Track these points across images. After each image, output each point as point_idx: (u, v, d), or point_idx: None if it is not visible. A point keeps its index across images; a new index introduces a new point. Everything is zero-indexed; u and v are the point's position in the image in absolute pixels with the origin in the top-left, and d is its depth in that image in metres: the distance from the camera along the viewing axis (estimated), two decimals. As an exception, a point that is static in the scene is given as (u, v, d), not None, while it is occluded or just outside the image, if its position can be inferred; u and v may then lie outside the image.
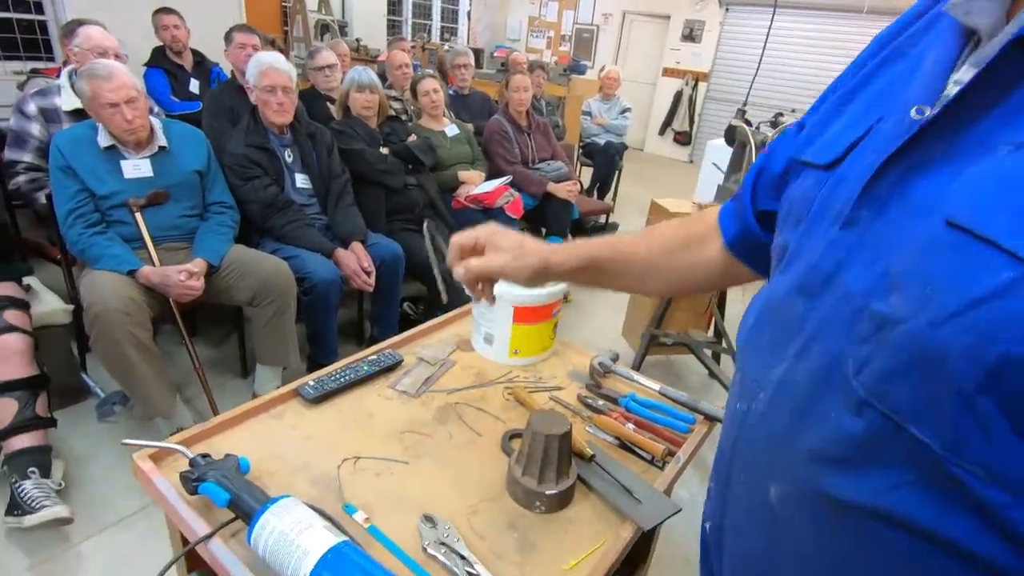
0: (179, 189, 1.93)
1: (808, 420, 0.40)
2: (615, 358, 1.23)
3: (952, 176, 0.35)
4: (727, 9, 7.24)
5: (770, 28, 1.96)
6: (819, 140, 0.49)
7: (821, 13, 6.54)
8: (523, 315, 1.16)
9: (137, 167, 1.87)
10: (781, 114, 4.16)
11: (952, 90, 0.37)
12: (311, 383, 1.04)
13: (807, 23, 6.68)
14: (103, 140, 1.81)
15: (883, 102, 0.44)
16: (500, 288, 1.14)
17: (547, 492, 0.83)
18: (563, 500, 0.85)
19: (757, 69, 2.22)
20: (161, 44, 3.18)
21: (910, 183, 0.37)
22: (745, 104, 2.28)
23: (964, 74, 0.37)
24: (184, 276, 1.76)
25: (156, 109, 2.47)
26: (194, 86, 3.24)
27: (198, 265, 1.83)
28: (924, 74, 0.41)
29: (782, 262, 0.49)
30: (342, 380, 1.06)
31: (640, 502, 0.86)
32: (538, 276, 0.68)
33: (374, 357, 1.14)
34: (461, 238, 0.70)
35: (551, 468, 0.83)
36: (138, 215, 1.84)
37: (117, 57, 2.20)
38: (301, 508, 0.70)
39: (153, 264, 1.83)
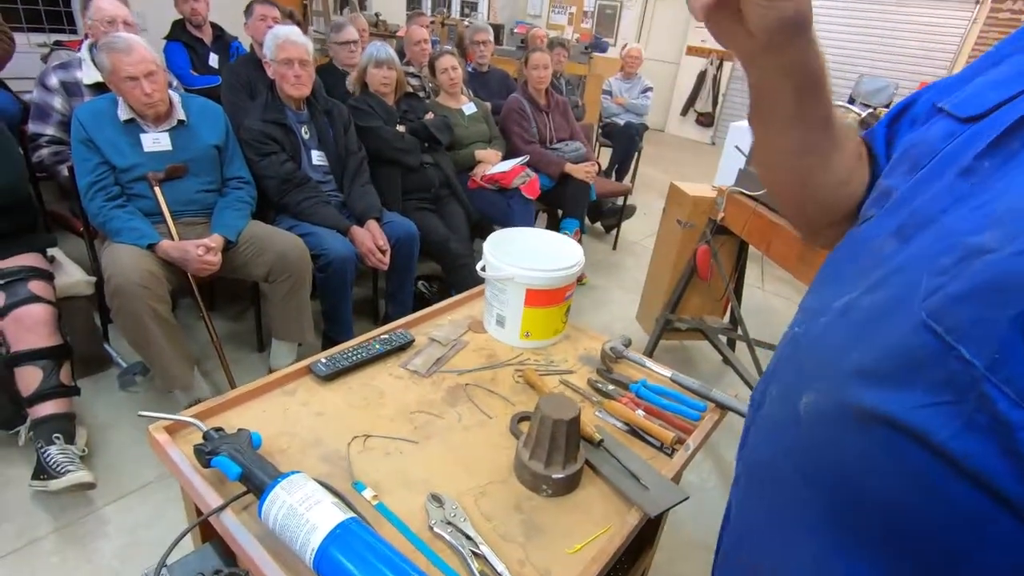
0: (197, 163, 1.95)
1: (862, 340, 0.43)
2: (627, 343, 1.22)
3: None
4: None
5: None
6: (960, 92, 0.50)
7: (853, -11, 6.31)
8: (535, 298, 1.15)
9: (157, 140, 1.88)
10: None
11: None
12: (323, 360, 1.04)
13: (838, 2, 6.44)
14: (123, 113, 1.82)
15: None
16: (514, 270, 1.14)
17: (554, 476, 0.83)
18: (570, 484, 0.86)
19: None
20: (181, 17, 3.17)
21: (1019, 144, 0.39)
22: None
23: None
24: (202, 251, 1.78)
25: (175, 83, 2.48)
26: (214, 60, 3.24)
27: (216, 240, 1.85)
28: None
29: (883, 206, 0.50)
30: (354, 358, 1.07)
31: (647, 488, 0.86)
32: (793, 31, 0.47)
33: (386, 336, 1.15)
34: None
35: (559, 452, 0.83)
36: (157, 189, 1.85)
37: (127, 25, 2.21)
38: (311, 484, 0.71)
39: (172, 238, 1.85)
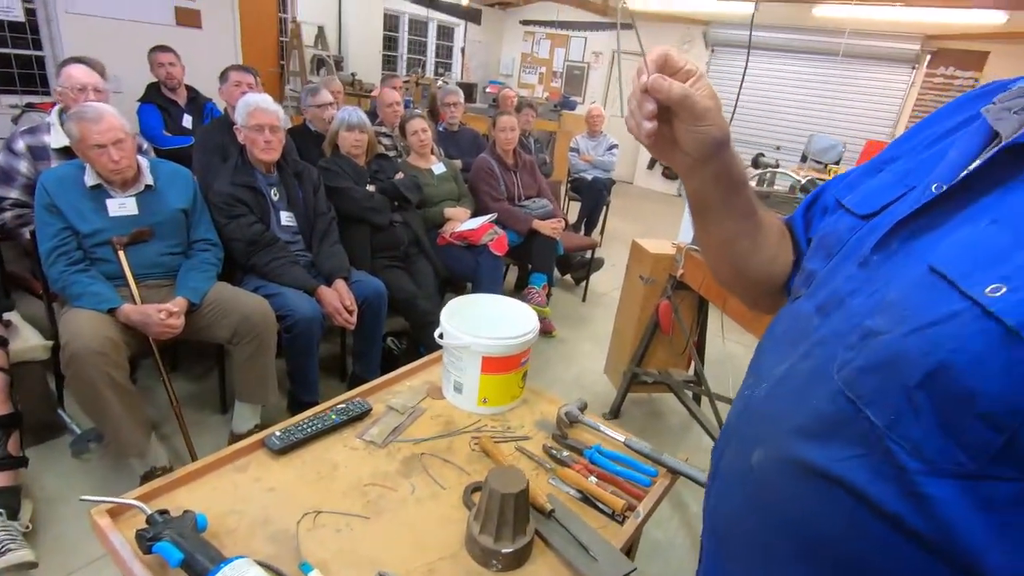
0: (164, 227, 1.96)
1: (797, 403, 0.51)
2: (583, 407, 1.25)
3: (943, 236, 0.46)
4: (712, 50, 7.47)
5: (745, 69, 2.05)
6: (859, 190, 0.61)
7: (801, 56, 6.77)
8: (491, 365, 1.18)
9: (122, 205, 1.89)
10: (762, 154, 4.28)
11: (961, 174, 0.47)
12: (277, 434, 1.05)
13: (788, 65, 6.90)
14: (89, 179, 1.84)
15: (919, 174, 0.54)
16: (470, 338, 1.17)
17: (503, 551, 0.84)
18: (519, 558, 0.86)
19: (734, 110, 2.31)
20: (156, 81, 3.25)
21: (915, 239, 0.48)
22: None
23: (974, 166, 0.48)
24: (164, 315, 1.78)
25: (145, 146, 2.52)
26: (187, 121, 3.30)
27: (179, 304, 1.84)
28: (950, 159, 0.51)
29: (809, 286, 0.59)
30: (309, 430, 1.07)
31: (596, 560, 0.87)
32: (718, 148, 0.56)
33: (343, 406, 1.16)
34: (672, 51, 0.55)
35: (507, 526, 0.84)
36: (121, 253, 1.86)
37: (97, 92, 2.25)
38: (254, 570, 0.71)
39: (134, 302, 1.84)
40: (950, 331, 0.40)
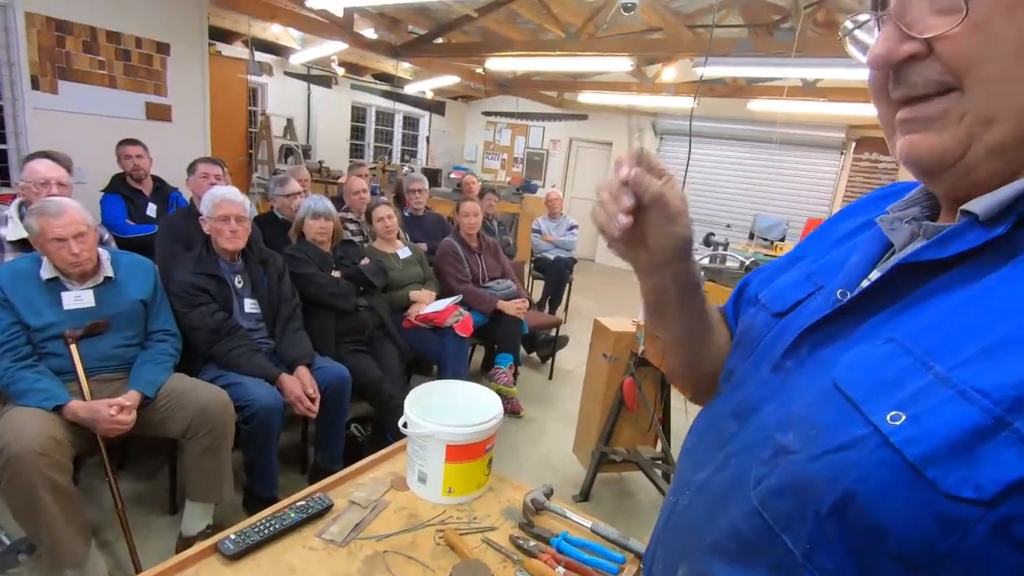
0: (121, 319, 1.93)
1: (715, 518, 0.48)
2: (549, 493, 1.24)
3: (846, 349, 0.44)
4: (661, 138, 8.06)
5: (689, 156, 2.23)
6: (773, 286, 0.61)
7: (742, 143, 7.38)
8: (455, 453, 1.18)
9: (78, 298, 1.86)
10: (712, 234, 4.54)
11: (864, 284, 0.47)
12: (232, 536, 1.00)
13: (731, 151, 7.49)
14: (45, 273, 1.82)
15: (825, 274, 0.55)
16: (434, 426, 1.17)
17: (469, 654, 0.81)
18: (486, 662, 0.83)
19: (682, 191, 2.47)
20: (122, 172, 3.29)
21: (822, 347, 0.47)
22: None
23: (874, 275, 0.48)
24: (115, 410, 1.71)
25: (107, 237, 2.51)
26: (151, 210, 3.32)
27: (131, 398, 1.78)
28: (852, 264, 0.51)
29: (727, 384, 0.58)
30: (266, 531, 1.03)
31: (566, 659, 0.84)
32: (683, 250, 0.56)
33: (303, 503, 1.12)
34: (648, 151, 0.55)
35: (473, 627, 0.81)
36: (73, 347, 1.80)
37: (61, 186, 2.27)
38: None
39: (83, 398, 1.77)
40: (854, 458, 0.37)
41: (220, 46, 5.95)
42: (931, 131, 0.41)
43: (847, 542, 0.38)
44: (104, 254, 1.96)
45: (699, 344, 0.67)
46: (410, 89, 7.91)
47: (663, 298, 0.61)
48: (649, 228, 0.54)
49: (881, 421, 0.37)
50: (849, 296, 0.47)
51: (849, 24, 0.46)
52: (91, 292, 1.88)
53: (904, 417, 0.36)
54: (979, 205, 0.40)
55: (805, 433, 0.42)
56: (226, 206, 2.18)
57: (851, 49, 0.46)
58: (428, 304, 3.01)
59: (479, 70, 6.82)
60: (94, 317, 1.86)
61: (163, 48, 3.91)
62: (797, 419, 0.44)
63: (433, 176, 7.58)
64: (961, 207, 0.41)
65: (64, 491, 1.60)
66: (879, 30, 0.43)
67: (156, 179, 3.43)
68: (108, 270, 1.93)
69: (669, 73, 6.09)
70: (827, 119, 6.31)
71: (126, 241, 3.01)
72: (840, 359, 0.43)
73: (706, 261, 3.00)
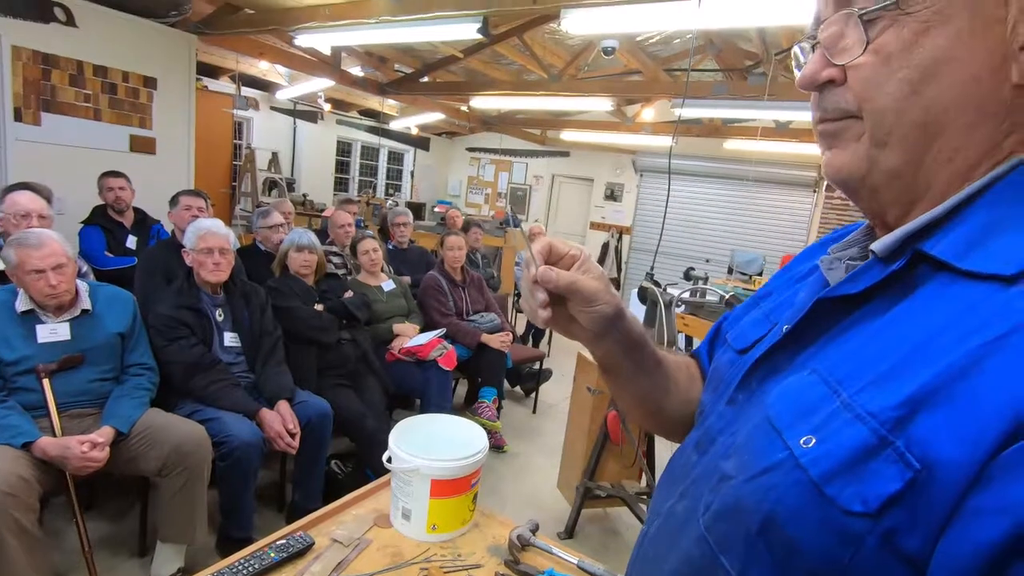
0: (96, 352, 1.89)
1: (673, 546, 0.50)
2: (535, 529, 1.22)
3: (781, 381, 0.46)
4: (641, 175, 8.28)
5: (668, 195, 2.29)
6: (740, 324, 0.63)
7: (719, 180, 7.61)
8: (440, 488, 1.16)
9: (54, 331, 1.83)
10: (692, 268, 4.63)
11: (797, 319, 0.50)
12: (209, 578, 0.97)
13: (708, 188, 7.70)
14: (21, 305, 1.78)
15: (779, 312, 0.58)
16: (418, 461, 1.16)
17: None
18: None
19: (661, 230, 2.55)
20: (103, 203, 3.26)
21: (768, 380, 0.49)
22: (652, 268, 2.55)
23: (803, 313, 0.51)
24: (87, 447, 1.66)
25: (84, 269, 2.47)
26: (131, 242, 3.28)
27: (104, 434, 1.73)
28: (798, 301, 0.53)
29: (698, 418, 0.60)
30: (245, 572, 1.00)
31: None
32: (614, 321, 0.58)
33: (283, 542, 1.09)
34: (555, 240, 0.59)
35: (459, 669, 0.79)
36: (45, 382, 1.76)
37: (42, 218, 2.25)
38: None
39: (54, 434, 1.71)
40: (775, 480, 0.40)
41: (207, 81, 6.01)
42: (838, 147, 0.45)
43: (772, 560, 0.40)
44: (82, 286, 1.93)
45: (660, 397, 0.69)
46: (395, 125, 8.05)
47: (612, 363, 0.63)
48: (574, 311, 0.57)
49: (795, 445, 0.40)
50: (786, 330, 0.49)
51: (796, 48, 0.50)
52: (67, 325, 1.85)
53: (814, 440, 0.39)
54: (879, 244, 0.44)
55: (741, 459, 0.45)
56: (210, 238, 2.18)
57: (795, 71, 0.49)
58: (412, 337, 3.00)
59: (464, 108, 6.98)
60: (69, 351, 1.82)
61: (150, 82, 3.93)
62: (737, 447, 0.47)
63: (417, 210, 7.65)
64: (869, 246, 0.45)
65: (29, 533, 1.54)
66: (812, 54, 0.47)
67: (138, 211, 3.41)
68: (86, 302, 1.90)
69: (648, 113, 6.30)
70: (799, 159, 6.54)
71: (105, 273, 2.97)
72: (774, 390, 0.46)
73: (687, 295, 3.05)
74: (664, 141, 6.53)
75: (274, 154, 6.77)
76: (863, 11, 0.42)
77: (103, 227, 3.21)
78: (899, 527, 0.34)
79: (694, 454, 0.55)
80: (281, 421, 2.09)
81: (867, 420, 0.36)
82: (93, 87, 3.65)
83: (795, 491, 0.39)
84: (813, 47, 0.47)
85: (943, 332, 0.36)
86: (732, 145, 6.30)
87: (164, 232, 3.44)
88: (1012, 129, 0.40)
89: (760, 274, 5.53)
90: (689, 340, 3.68)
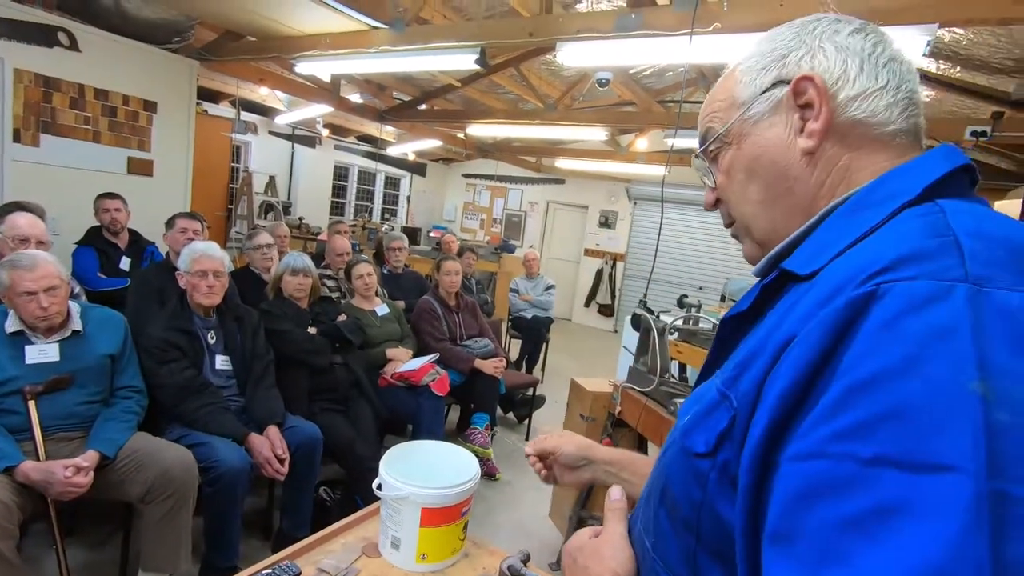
0: (86, 374, 1.87)
1: (636, 546, 0.62)
2: (526, 559, 1.20)
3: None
4: (635, 203, 8.38)
5: (661, 224, 2.32)
6: None
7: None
8: (431, 517, 1.15)
9: (43, 352, 1.81)
10: (686, 295, 4.64)
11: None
12: (192, 608, 0.95)
13: (698, 217, 7.79)
14: (11, 326, 1.77)
15: None
16: (409, 488, 1.14)
17: None
18: None
19: (655, 258, 2.56)
20: (97, 224, 3.26)
21: None
22: (646, 295, 2.56)
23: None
24: (71, 472, 1.62)
25: (77, 290, 2.46)
26: (124, 263, 3.27)
27: (89, 459, 1.70)
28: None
29: None
30: (228, 602, 0.98)
31: None
32: (592, 480, 0.89)
33: (268, 571, 1.07)
34: (540, 442, 0.97)
35: None
36: (31, 403, 1.73)
37: (40, 244, 2.24)
38: None
39: (38, 458, 1.68)
40: (668, 457, 0.54)
41: (207, 105, 6.09)
42: (742, 242, 0.62)
43: (669, 523, 0.52)
44: (74, 307, 1.92)
45: None
46: (393, 151, 8.14)
47: (610, 480, 0.85)
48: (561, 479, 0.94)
49: (681, 424, 0.53)
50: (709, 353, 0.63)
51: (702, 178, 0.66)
52: (56, 346, 1.83)
53: (689, 416, 0.52)
54: (755, 268, 0.59)
55: (659, 455, 0.58)
56: (205, 261, 2.18)
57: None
58: (405, 362, 2.99)
59: (460, 135, 7.09)
60: (58, 372, 1.80)
61: (150, 106, 3.98)
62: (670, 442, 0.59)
63: (413, 235, 7.68)
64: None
65: (7, 561, 1.50)
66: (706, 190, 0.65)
67: (132, 233, 3.41)
68: (76, 323, 1.89)
69: (642, 143, 6.42)
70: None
71: (97, 294, 2.95)
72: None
73: (680, 323, 3.07)
74: (657, 170, 6.64)
75: (271, 178, 6.82)
76: (707, 150, 0.61)
77: (97, 248, 3.21)
78: (730, 458, 0.45)
79: (656, 464, 0.65)
80: (270, 446, 2.06)
81: (717, 386, 0.49)
82: (93, 110, 3.69)
83: (675, 457, 0.52)
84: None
85: (775, 317, 0.47)
86: (724, 175, 6.39)
87: (158, 254, 3.44)
88: (824, 177, 0.53)
89: (753, 302, 5.54)
90: (683, 367, 3.68)
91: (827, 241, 0.49)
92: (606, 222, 8.63)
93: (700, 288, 7.42)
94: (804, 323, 0.41)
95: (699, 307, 4.43)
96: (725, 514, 0.46)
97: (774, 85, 0.55)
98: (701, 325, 3.53)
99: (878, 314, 0.37)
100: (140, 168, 3.99)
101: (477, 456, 3.06)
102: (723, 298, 6.04)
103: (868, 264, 0.40)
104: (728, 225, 0.63)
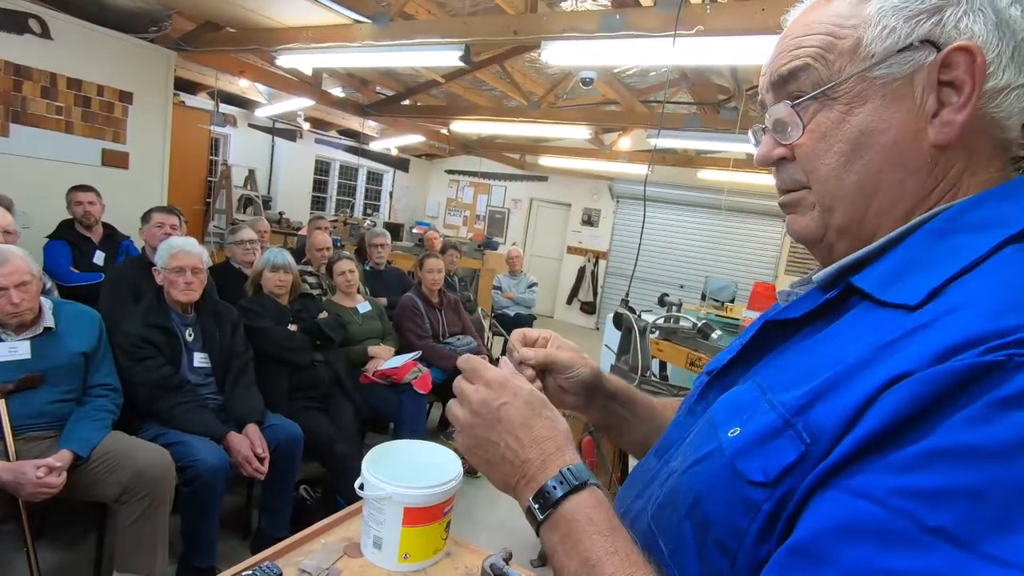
0: (58, 372, 1.82)
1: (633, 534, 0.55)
2: (508, 557, 1.21)
3: (725, 391, 0.53)
4: (618, 201, 8.43)
5: (644, 221, 2.35)
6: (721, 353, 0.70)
7: (693, 208, 7.79)
8: (413, 516, 1.14)
9: (13, 350, 1.76)
10: (667, 294, 4.70)
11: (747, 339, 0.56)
12: (170, 611, 0.93)
13: (683, 216, 7.89)
14: (-20, 323, 1.72)
15: (740, 339, 0.64)
16: (392, 488, 1.14)
17: None
18: None
19: (637, 256, 2.60)
20: (70, 218, 3.18)
21: (718, 393, 0.54)
22: (628, 294, 2.59)
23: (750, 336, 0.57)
24: (43, 472, 1.59)
25: (48, 285, 2.40)
26: (99, 258, 3.20)
27: (62, 458, 1.66)
28: (752, 327, 0.59)
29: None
30: (207, 604, 0.96)
31: None
32: (592, 384, 0.71)
33: (248, 573, 1.06)
34: (526, 330, 0.72)
35: None
36: (1, 402, 1.69)
37: (8, 233, 2.18)
38: None
39: (8, 458, 1.64)
40: (705, 467, 0.46)
41: (185, 96, 5.96)
42: (797, 213, 0.53)
43: (693, 538, 0.45)
44: (46, 303, 1.87)
45: (656, 436, 0.75)
46: (375, 146, 8.07)
47: (608, 420, 0.75)
48: (559, 381, 0.70)
49: (724, 435, 0.46)
50: (738, 349, 0.56)
51: (750, 131, 0.58)
52: (27, 343, 1.79)
53: (739, 430, 0.45)
54: (818, 275, 0.51)
55: (685, 455, 0.51)
56: (182, 257, 2.14)
57: (754, 145, 0.58)
58: (386, 359, 2.97)
59: (444, 131, 7.05)
60: (29, 370, 1.76)
61: (125, 96, 3.89)
62: (685, 447, 0.53)
63: (395, 231, 7.63)
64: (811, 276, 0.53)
65: (-25, 564, 1.46)
66: (763, 136, 0.54)
67: (107, 226, 3.33)
68: (48, 320, 1.84)
69: (625, 142, 6.45)
70: (770, 189, 6.75)
71: (70, 290, 2.88)
72: (720, 399, 0.52)
73: (661, 321, 3.11)
74: (640, 169, 6.69)
75: (251, 171, 6.71)
76: (797, 101, 0.49)
77: (70, 242, 3.13)
78: (792, 490, 0.40)
79: (654, 460, 0.59)
80: (249, 445, 2.04)
81: (777, 408, 0.43)
82: (66, 100, 3.59)
83: (717, 472, 0.45)
84: (764, 130, 0.54)
85: (852, 344, 0.42)
86: (706, 175, 6.48)
87: (133, 249, 3.37)
88: (937, 182, 0.46)
89: (732, 301, 5.64)
90: (663, 365, 3.73)
91: (914, 264, 0.43)
92: (589, 220, 8.67)
93: (681, 287, 7.51)
94: (912, 368, 0.36)
95: (680, 306, 4.50)
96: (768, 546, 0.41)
97: (921, 44, 0.43)
98: (682, 324, 3.58)
99: (1001, 389, 0.33)
100: (115, 160, 3.90)
101: (459, 454, 3.06)
102: (704, 296, 6.14)
103: (995, 322, 0.35)
104: (787, 191, 0.53)
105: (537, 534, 0.52)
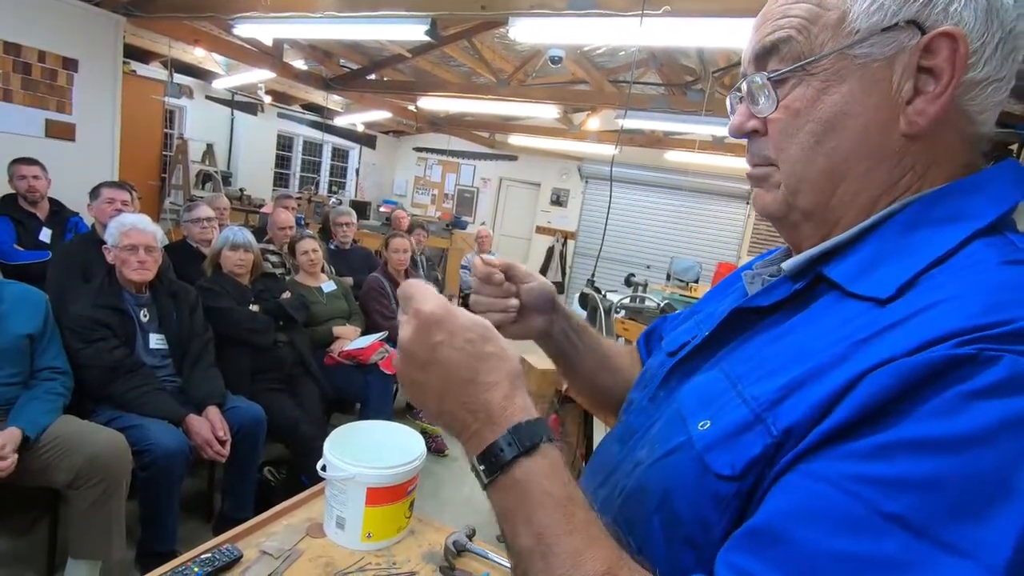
0: (1, 356, 1.74)
1: None
2: (471, 534, 1.23)
3: (690, 378, 0.53)
4: (587, 182, 8.45)
5: (610, 201, 2.38)
6: (676, 331, 0.68)
7: (659, 189, 7.89)
8: (376, 496, 1.15)
9: (-48, 332, 1.67)
10: (633, 274, 4.77)
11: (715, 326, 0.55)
12: (125, 597, 0.92)
13: (649, 196, 7.98)
14: (-87, 303, 1.63)
15: (708, 322, 0.61)
16: (355, 469, 1.14)
17: None
18: None
19: (603, 236, 2.62)
20: (13, 192, 3.01)
21: (686, 379, 0.54)
22: (594, 274, 2.61)
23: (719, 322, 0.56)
24: (-11, 455, 1.53)
25: (-9, 264, 2.28)
26: (45, 235, 3.05)
27: (10, 436, 1.59)
28: (719, 312, 0.58)
29: (624, 414, 0.64)
30: (164, 589, 0.95)
31: None
32: (551, 298, 0.74)
33: (208, 555, 1.05)
34: (481, 256, 0.79)
35: None
36: (-60, 387, 1.61)
37: None
38: None
39: (-51, 444, 1.57)
40: (674, 461, 0.46)
41: (136, 65, 5.67)
42: (763, 188, 0.52)
43: (663, 535, 0.45)
44: (-13, 284, 1.78)
45: (609, 378, 0.78)
46: (340, 121, 7.86)
47: (562, 349, 0.76)
48: (522, 292, 0.72)
49: (694, 428, 0.46)
50: (703, 336, 0.56)
51: (728, 98, 0.57)
52: (-32, 325, 1.70)
53: (709, 424, 0.45)
54: (788, 263, 0.51)
55: (652, 447, 0.51)
56: (135, 235, 2.06)
57: (730, 114, 0.57)
58: (352, 340, 2.94)
59: (411, 107, 6.91)
60: (-31, 353, 1.68)
61: (70, 64, 3.67)
62: (651, 438, 0.52)
63: (362, 209, 7.49)
64: (780, 264, 0.53)
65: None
66: (739, 106, 0.53)
67: (54, 202, 3.17)
68: (-10, 301, 1.76)
69: (594, 122, 6.45)
70: (734, 172, 6.88)
71: (13, 268, 2.74)
72: (685, 386, 0.52)
73: (626, 301, 3.15)
74: (608, 149, 6.71)
75: (209, 146, 6.46)
76: (774, 73, 0.47)
77: (13, 218, 2.97)
78: (759, 483, 0.40)
79: (616, 445, 0.59)
80: (210, 427, 2.00)
81: (750, 403, 0.43)
82: (4, 65, 3.38)
83: (686, 466, 0.44)
84: (741, 99, 0.53)
85: (822, 337, 0.42)
86: (673, 156, 6.55)
87: (83, 226, 3.22)
88: (904, 172, 0.46)
89: (696, 281, 5.76)
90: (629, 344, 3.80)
91: (884, 256, 0.44)
92: (558, 200, 8.68)
93: (648, 267, 7.62)
94: (885, 358, 0.36)
95: (645, 286, 4.57)
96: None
97: (907, 24, 0.42)
98: (647, 303, 3.64)
99: (970, 382, 0.33)
100: (60, 132, 3.70)
101: (426, 433, 3.08)
102: (669, 276, 6.26)
103: (968, 319, 0.35)
104: (756, 165, 0.52)
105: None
